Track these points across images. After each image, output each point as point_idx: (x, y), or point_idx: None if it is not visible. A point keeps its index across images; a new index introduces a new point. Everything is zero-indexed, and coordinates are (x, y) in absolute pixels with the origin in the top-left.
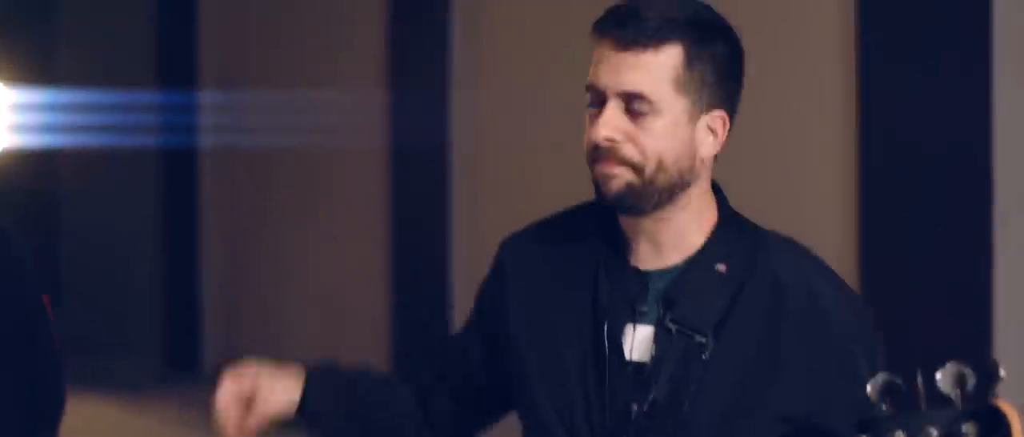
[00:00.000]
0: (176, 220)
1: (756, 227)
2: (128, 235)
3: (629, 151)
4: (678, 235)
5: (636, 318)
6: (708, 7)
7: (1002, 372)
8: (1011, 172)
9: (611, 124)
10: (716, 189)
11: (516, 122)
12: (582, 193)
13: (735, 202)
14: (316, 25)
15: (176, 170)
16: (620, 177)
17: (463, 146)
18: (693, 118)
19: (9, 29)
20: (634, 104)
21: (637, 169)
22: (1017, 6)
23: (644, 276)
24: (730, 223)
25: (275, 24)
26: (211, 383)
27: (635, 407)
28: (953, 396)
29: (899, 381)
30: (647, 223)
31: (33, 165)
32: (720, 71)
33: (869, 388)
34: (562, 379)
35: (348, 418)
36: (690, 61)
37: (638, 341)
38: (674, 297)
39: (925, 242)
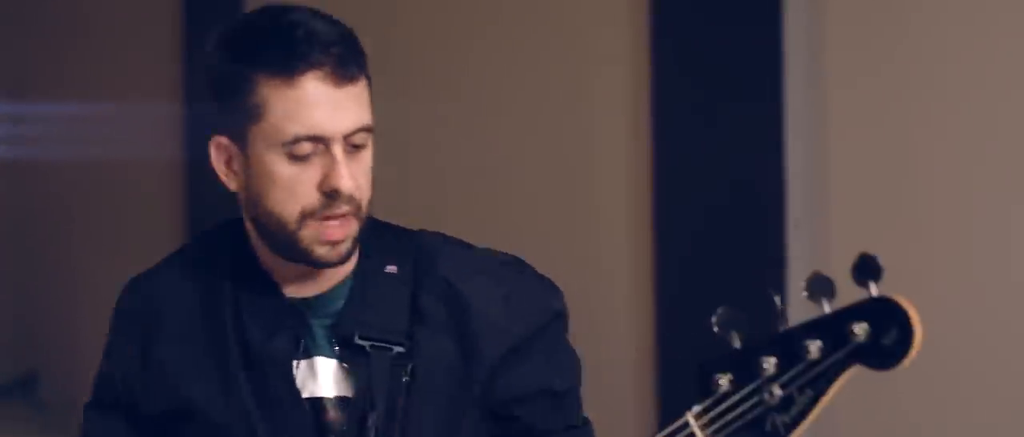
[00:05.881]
0: None
1: (404, 228)
2: None
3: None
4: None
5: (300, 354)
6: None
7: (880, 261)
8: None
9: (353, 171)
10: None
11: None
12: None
13: (527, 211)
14: (108, 35)
15: None
16: (352, 236)
17: None
18: None
19: None
20: (356, 141)
21: (361, 217)
22: (804, 36)
23: (300, 307)
24: (378, 227)
25: (67, 34)
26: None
27: None
28: (822, 305)
29: (742, 314)
30: None
31: None
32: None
33: (714, 327)
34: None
35: None
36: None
37: (322, 377)
38: (356, 311)
39: (719, 249)
